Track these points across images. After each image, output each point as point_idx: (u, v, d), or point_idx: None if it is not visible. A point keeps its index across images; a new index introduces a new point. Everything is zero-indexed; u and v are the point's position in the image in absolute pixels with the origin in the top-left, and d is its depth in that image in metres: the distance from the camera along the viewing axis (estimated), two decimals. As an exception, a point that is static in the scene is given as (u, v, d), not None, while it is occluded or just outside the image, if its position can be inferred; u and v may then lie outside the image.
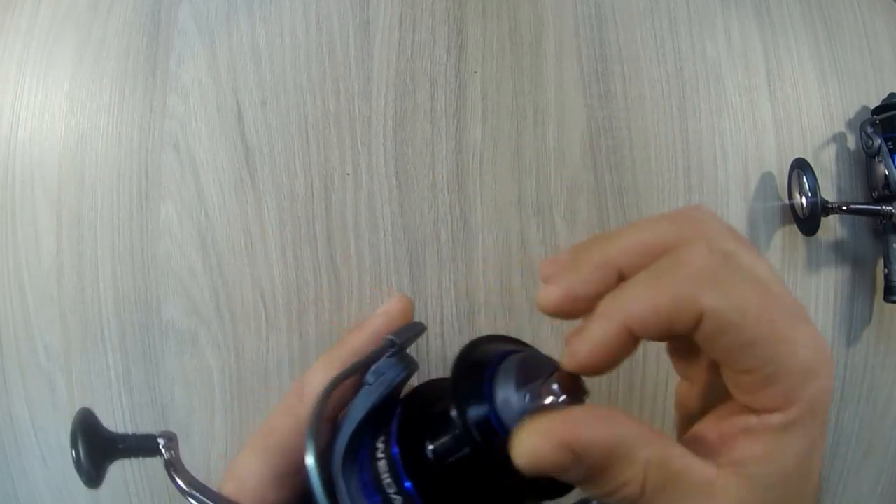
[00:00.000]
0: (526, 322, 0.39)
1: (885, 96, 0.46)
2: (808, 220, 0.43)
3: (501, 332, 0.39)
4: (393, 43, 0.39)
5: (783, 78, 0.46)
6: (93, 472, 0.24)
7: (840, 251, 0.46)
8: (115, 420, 0.38)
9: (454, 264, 0.39)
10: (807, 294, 0.45)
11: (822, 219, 0.42)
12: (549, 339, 0.40)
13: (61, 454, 0.38)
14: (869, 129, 0.44)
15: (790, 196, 0.44)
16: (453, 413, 0.22)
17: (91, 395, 0.38)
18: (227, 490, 0.26)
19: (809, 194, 0.42)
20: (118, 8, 0.40)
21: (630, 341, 0.20)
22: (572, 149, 0.41)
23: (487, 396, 0.21)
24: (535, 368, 0.22)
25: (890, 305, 0.45)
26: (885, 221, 0.44)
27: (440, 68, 0.40)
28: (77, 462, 0.24)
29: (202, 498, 0.24)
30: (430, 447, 0.23)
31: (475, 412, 0.20)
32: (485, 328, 0.39)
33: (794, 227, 0.45)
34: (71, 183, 0.39)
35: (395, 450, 0.23)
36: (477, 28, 0.40)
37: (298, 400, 0.27)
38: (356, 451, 0.24)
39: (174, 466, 0.25)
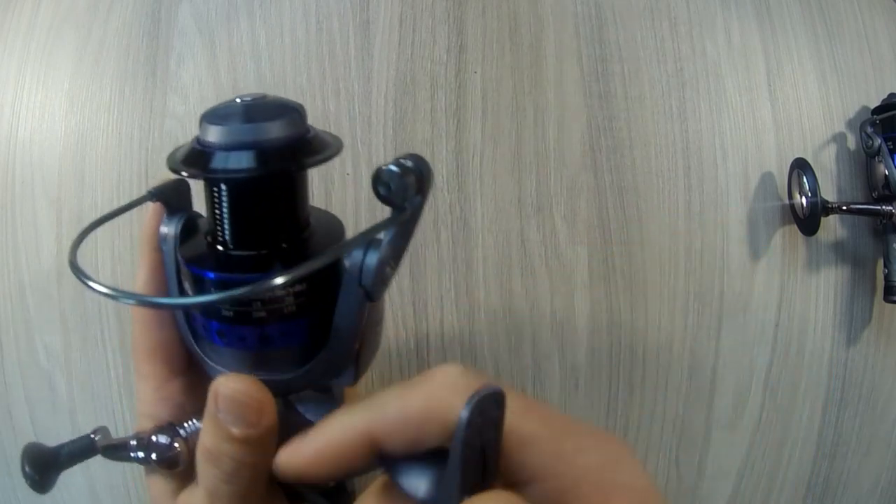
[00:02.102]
0: (526, 322, 0.39)
1: (885, 96, 0.46)
2: (808, 220, 0.43)
3: (501, 331, 0.39)
4: (393, 43, 0.39)
5: (783, 78, 0.46)
6: (37, 478, 0.25)
7: (840, 251, 0.46)
8: (115, 420, 0.38)
9: (454, 264, 0.39)
10: (807, 294, 0.45)
11: (822, 219, 0.42)
12: (550, 340, 0.40)
13: (61, 454, 0.38)
14: (869, 129, 0.44)
15: (790, 196, 0.44)
16: None
17: (91, 395, 0.38)
18: (144, 425, 0.25)
19: (809, 194, 0.42)
20: (118, 8, 0.40)
21: (366, 452, 0.18)
22: (572, 149, 0.41)
23: None
24: None
25: (890, 305, 0.45)
26: (885, 221, 0.44)
27: (440, 68, 0.40)
28: (23, 471, 0.25)
29: (142, 455, 0.24)
30: None
31: None
32: (485, 328, 0.39)
33: (794, 227, 0.45)
34: (71, 183, 0.39)
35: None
36: (477, 28, 0.40)
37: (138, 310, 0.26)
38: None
39: (111, 450, 0.25)
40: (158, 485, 0.25)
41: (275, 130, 0.20)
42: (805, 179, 0.42)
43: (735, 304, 0.43)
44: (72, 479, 0.38)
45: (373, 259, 0.21)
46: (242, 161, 0.19)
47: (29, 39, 0.40)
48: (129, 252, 0.38)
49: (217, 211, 0.21)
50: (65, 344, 0.38)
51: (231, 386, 0.21)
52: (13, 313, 0.39)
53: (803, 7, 0.47)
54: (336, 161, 0.39)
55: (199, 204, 0.24)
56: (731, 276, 0.43)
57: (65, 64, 0.40)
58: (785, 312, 0.44)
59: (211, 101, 0.39)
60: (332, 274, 0.22)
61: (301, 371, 0.23)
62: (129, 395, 0.38)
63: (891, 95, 0.46)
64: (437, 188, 0.39)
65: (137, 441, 0.24)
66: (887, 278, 0.44)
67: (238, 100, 0.20)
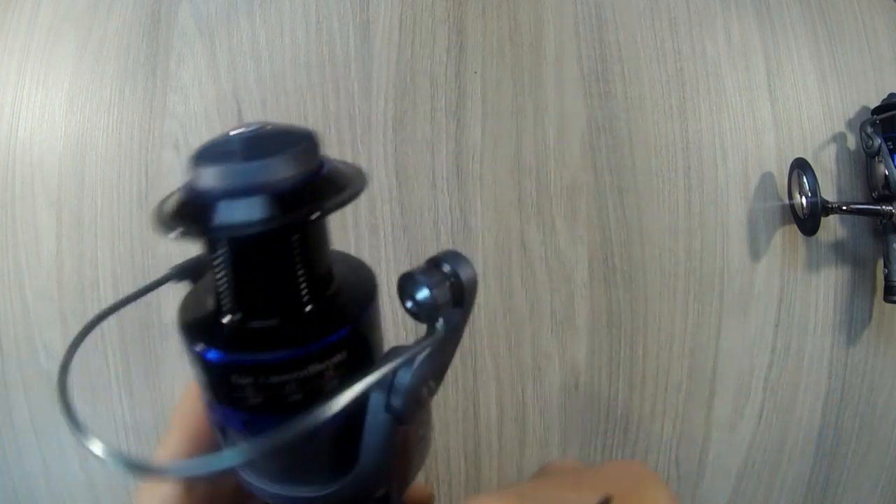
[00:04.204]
0: (526, 322, 0.39)
1: (885, 96, 0.46)
2: (808, 220, 0.43)
3: (501, 331, 0.39)
4: (393, 43, 0.39)
5: (783, 78, 0.46)
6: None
7: (840, 251, 0.46)
8: (116, 420, 0.38)
9: (454, 264, 0.39)
10: (807, 294, 0.45)
11: (822, 219, 0.42)
12: (550, 340, 0.40)
13: (61, 454, 0.38)
14: (869, 129, 0.44)
15: (790, 196, 0.44)
16: None
17: (91, 395, 0.38)
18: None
19: (809, 194, 0.42)
20: (118, 8, 0.40)
21: None
22: (572, 149, 0.41)
23: None
24: None
25: (890, 305, 0.45)
26: (885, 221, 0.44)
27: (440, 68, 0.40)
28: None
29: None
30: None
31: None
32: (485, 328, 0.39)
33: (794, 227, 0.45)
34: (71, 183, 0.39)
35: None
36: (477, 28, 0.40)
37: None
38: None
39: None
40: None
41: (286, 169, 0.15)
42: (805, 179, 0.42)
43: (735, 304, 0.43)
44: (72, 479, 0.38)
45: (404, 379, 0.17)
46: (250, 211, 0.15)
47: (29, 39, 0.40)
48: (129, 252, 0.38)
49: (221, 274, 0.17)
50: (65, 344, 0.38)
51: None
52: (13, 313, 0.39)
53: (803, 7, 0.47)
54: (336, 161, 0.39)
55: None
56: (731, 277, 0.43)
57: (65, 64, 0.39)
58: (785, 312, 0.44)
59: (211, 101, 0.39)
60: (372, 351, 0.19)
61: (331, 489, 0.20)
62: (129, 395, 0.38)
63: (891, 95, 0.46)
64: (437, 188, 0.39)
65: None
66: (887, 278, 0.44)
67: (234, 132, 0.16)
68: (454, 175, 0.39)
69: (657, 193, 0.42)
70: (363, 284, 0.19)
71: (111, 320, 0.38)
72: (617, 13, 0.42)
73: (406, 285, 0.17)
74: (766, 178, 0.45)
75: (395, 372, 0.17)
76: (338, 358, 0.17)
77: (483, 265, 0.39)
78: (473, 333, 0.39)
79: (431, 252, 0.18)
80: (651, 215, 0.42)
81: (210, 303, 0.18)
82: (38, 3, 0.40)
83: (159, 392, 0.38)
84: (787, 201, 0.45)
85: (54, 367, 0.39)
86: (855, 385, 0.46)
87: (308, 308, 0.17)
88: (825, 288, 0.45)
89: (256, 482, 0.20)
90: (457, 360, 0.39)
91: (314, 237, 0.18)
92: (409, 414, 0.18)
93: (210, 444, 0.23)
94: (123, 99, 0.39)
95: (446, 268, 0.17)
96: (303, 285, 0.17)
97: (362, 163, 0.39)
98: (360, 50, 0.39)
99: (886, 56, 0.48)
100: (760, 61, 0.45)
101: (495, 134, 0.40)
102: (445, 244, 0.39)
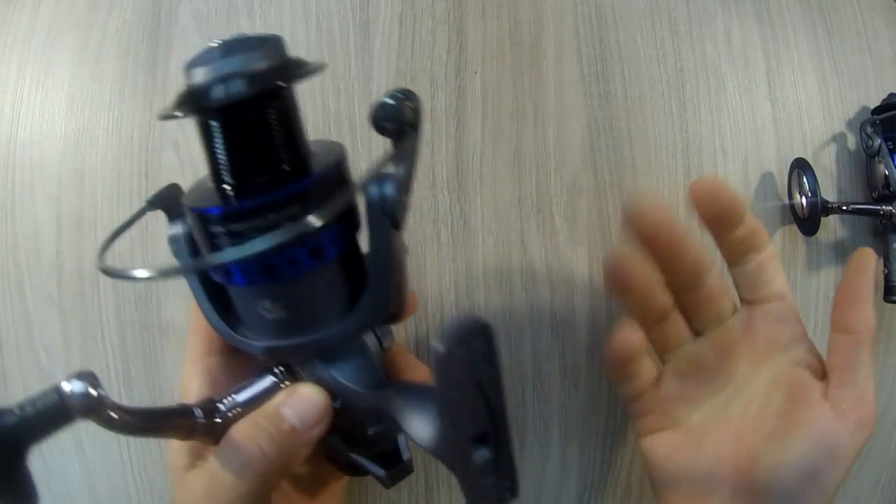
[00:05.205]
0: (526, 322, 0.39)
1: (885, 96, 0.46)
2: (808, 220, 0.43)
3: (501, 332, 0.39)
4: (393, 43, 0.39)
5: (783, 78, 0.46)
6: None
7: (840, 251, 0.46)
8: (115, 420, 0.38)
9: (454, 264, 0.39)
10: (807, 294, 0.45)
11: (822, 219, 0.42)
12: (550, 340, 0.40)
13: (61, 454, 0.38)
14: (869, 129, 0.44)
15: (790, 196, 0.44)
16: None
17: (91, 395, 0.38)
18: (183, 397, 0.27)
19: (809, 194, 0.42)
20: (118, 8, 0.40)
21: None
22: (572, 149, 0.41)
23: None
24: None
25: (890, 305, 0.45)
26: (885, 221, 0.44)
27: (440, 68, 0.40)
28: None
29: (154, 424, 0.23)
30: None
31: None
32: (485, 328, 0.39)
33: (794, 227, 0.45)
34: (71, 183, 0.39)
35: None
36: (477, 28, 0.40)
37: None
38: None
39: (101, 411, 0.20)
40: (172, 457, 0.27)
41: (257, 58, 0.20)
42: (805, 179, 0.42)
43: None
44: (72, 479, 0.38)
45: (391, 188, 0.21)
46: (230, 87, 0.20)
47: (29, 39, 0.40)
48: (130, 252, 0.38)
49: (216, 148, 0.22)
50: (65, 344, 0.38)
51: (309, 390, 0.24)
52: (13, 313, 0.39)
53: (803, 7, 0.47)
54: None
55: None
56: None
57: (65, 64, 0.40)
58: (785, 312, 0.44)
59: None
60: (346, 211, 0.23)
61: (349, 320, 0.23)
62: (130, 396, 0.38)
63: (891, 95, 0.46)
64: (437, 188, 0.39)
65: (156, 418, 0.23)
66: (887, 278, 0.44)
67: (215, 42, 0.21)
68: (454, 175, 0.39)
69: (657, 193, 0.42)
70: (334, 152, 0.23)
71: (111, 320, 0.38)
72: (617, 13, 0.42)
73: (377, 108, 0.21)
74: (766, 178, 0.45)
75: (380, 186, 0.21)
76: (305, 203, 0.21)
77: (483, 265, 0.39)
78: (473, 333, 0.39)
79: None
80: (651, 215, 0.42)
81: (208, 185, 0.23)
82: (38, 3, 0.40)
83: (159, 392, 0.38)
84: (787, 201, 0.45)
85: (54, 367, 0.39)
86: (855, 385, 0.46)
87: (286, 168, 0.22)
88: (825, 288, 0.45)
89: (274, 341, 0.23)
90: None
91: (285, 108, 0.22)
92: (402, 217, 0.22)
93: (220, 345, 0.29)
94: (123, 99, 0.39)
95: (401, 95, 0.21)
96: (279, 149, 0.22)
97: (362, 163, 0.39)
98: (360, 50, 0.39)
99: (886, 56, 0.48)
100: (760, 61, 0.45)
101: (495, 134, 0.40)
102: (445, 243, 0.39)
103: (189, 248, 0.25)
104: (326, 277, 0.23)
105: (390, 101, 0.21)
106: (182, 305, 0.38)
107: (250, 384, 0.26)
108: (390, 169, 0.22)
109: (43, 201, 0.39)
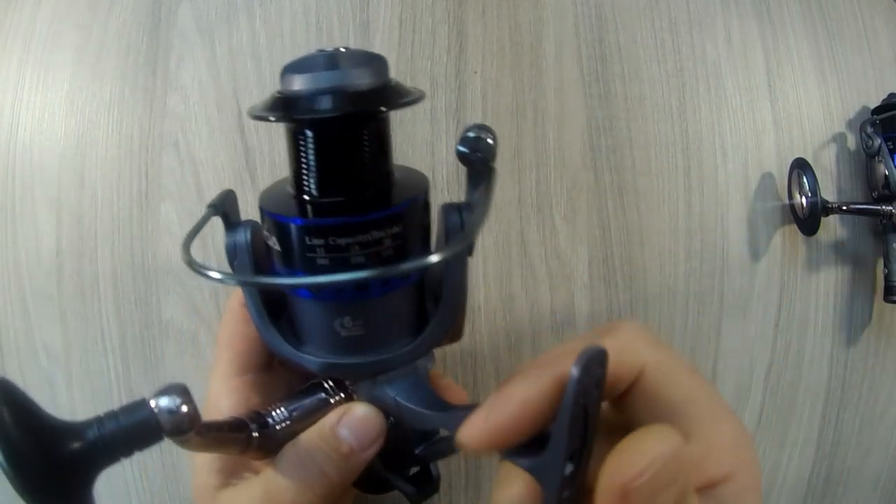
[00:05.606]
0: (526, 322, 0.39)
1: (885, 96, 0.46)
2: (808, 220, 0.43)
3: (501, 331, 0.39)
4: (393, 43, 0.39)
5: (783, 78, 0.46)
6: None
7: (840, 251, 0.46)
8: (115, 420, 0.38)
9: (454, 264, 0.39)
10: (807, 294, 0.45)
11: (822, 219, 0.42)
12: (550, 340, 0.40)
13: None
14: (869, 129, 0.44)
15: (790, 196, 0.44)
16: None
17: (91, 395, 0.38)
18: (208, 414, 0.26)
19: (809, 194, 0.42)
20: (118, 8, 0.40)
21: (556, 401, 0.18)
22: (572, 149, 0.41)
23: None
24: None
25: (890, 305, 0.45)
26: (885, 221, 0.44)
27: (440, 68, 0.40)
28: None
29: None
30: None
31: None
32: (485, 328, 0.39)
33: (794, 227, 0.45)
34: (71, 183, 0.39)
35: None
36: (477, 28, 0.40)
37: (241, 304, 0.27)
38: None
39: (192, 429, 0.19)
40: (202, 477, 0.26)
41: (359, 76, 0.20)
42: (805, 179, 0.42)
43: (735, 305, 0.43)
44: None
45: (470, 216, 0.22)
46: (329, 103, 0.19)
47: (29, 39, 0.40)
48: (129, 252, 0.38)
49: (303, 159, 0.21)
50: (65, 344, 0.38)
51: (366, 410, 0.24)
52: (13, 313, 0.39)
53: (803, 7, 0.47)
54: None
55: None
56: (731, 277, 0.43)
57: (65, 64, 0.39)
58: (785, 312, 0.44)
59: (211, 101, 0.39)
60: (424, 230, 0.23)
61: (419, 340, 0.24)
62: (130, 396, 0.38)
63: (891, 95, 0.46)
64: (437, 188, 0.39)
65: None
66: (887, 278, 0.44)
67: (320, 50, 0.21)
68: (454, 175, 0.39)
69: (657, 193, 0.42)
70: (418, 180, 0.23)
71: (111, 320, 0.38)
72: (617, 13, 0.42)
73: (463, 138, 0.21)
74: (766, 179, 0.45)
75: (461, 213, 0.22)
76: (395, 229, 0.21)
77: (483, 265, 0.39)
78: (473, 333, 0.39)
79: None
80: (651, 215, 0.42)
81: (289, 189, 0.22)
82: (38, 3, 0.40)
83: (159, 392, 0.38)
84: (787, 201, 0.45)
85: (54, 367, 0.39)
86: (855, 385, 0.46)
87: (370, 193, 0.21)
88: (825, 288, 0.45)
89: (341, 358, 0.23)
90: (456, 359, 0.39)
91: (378, 132, 0.22)
92: (473, 243, 0.23)
93: (256, 362, 0.27)
94: (123, 99, 0.39)
95: (484, 129, 0.22)
96: (366, 171, 0.21)
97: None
98: (360, 50, 0.39)
99: (886, 56, 0.48)
100: (760, 61, 0.45)
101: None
102: (445, 244, 0.39)
103: (252, 258, 0.24)
104: (407, 297, 0.23)
105: (473, 135, 0.21)
106: (182, 305, 0.38)
107: (298, 397, 0.25)
108: (470, 198, 0.22)
109: (43, 201, 0.39)
